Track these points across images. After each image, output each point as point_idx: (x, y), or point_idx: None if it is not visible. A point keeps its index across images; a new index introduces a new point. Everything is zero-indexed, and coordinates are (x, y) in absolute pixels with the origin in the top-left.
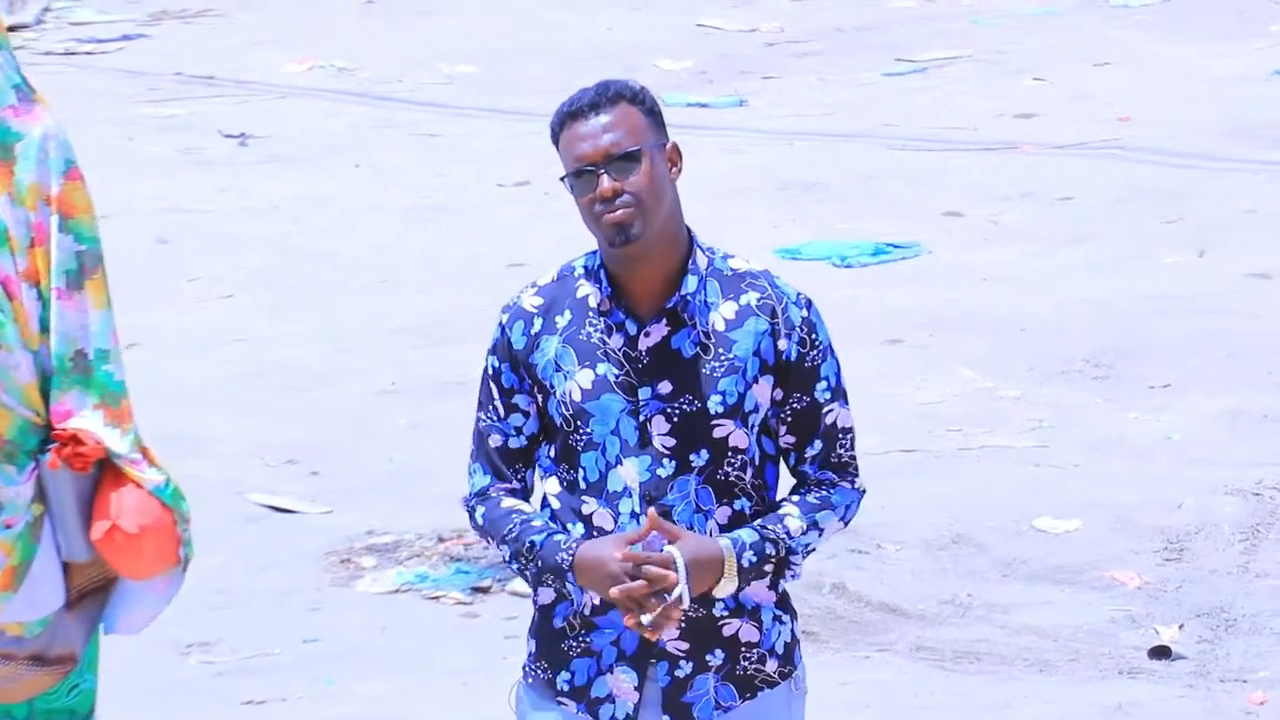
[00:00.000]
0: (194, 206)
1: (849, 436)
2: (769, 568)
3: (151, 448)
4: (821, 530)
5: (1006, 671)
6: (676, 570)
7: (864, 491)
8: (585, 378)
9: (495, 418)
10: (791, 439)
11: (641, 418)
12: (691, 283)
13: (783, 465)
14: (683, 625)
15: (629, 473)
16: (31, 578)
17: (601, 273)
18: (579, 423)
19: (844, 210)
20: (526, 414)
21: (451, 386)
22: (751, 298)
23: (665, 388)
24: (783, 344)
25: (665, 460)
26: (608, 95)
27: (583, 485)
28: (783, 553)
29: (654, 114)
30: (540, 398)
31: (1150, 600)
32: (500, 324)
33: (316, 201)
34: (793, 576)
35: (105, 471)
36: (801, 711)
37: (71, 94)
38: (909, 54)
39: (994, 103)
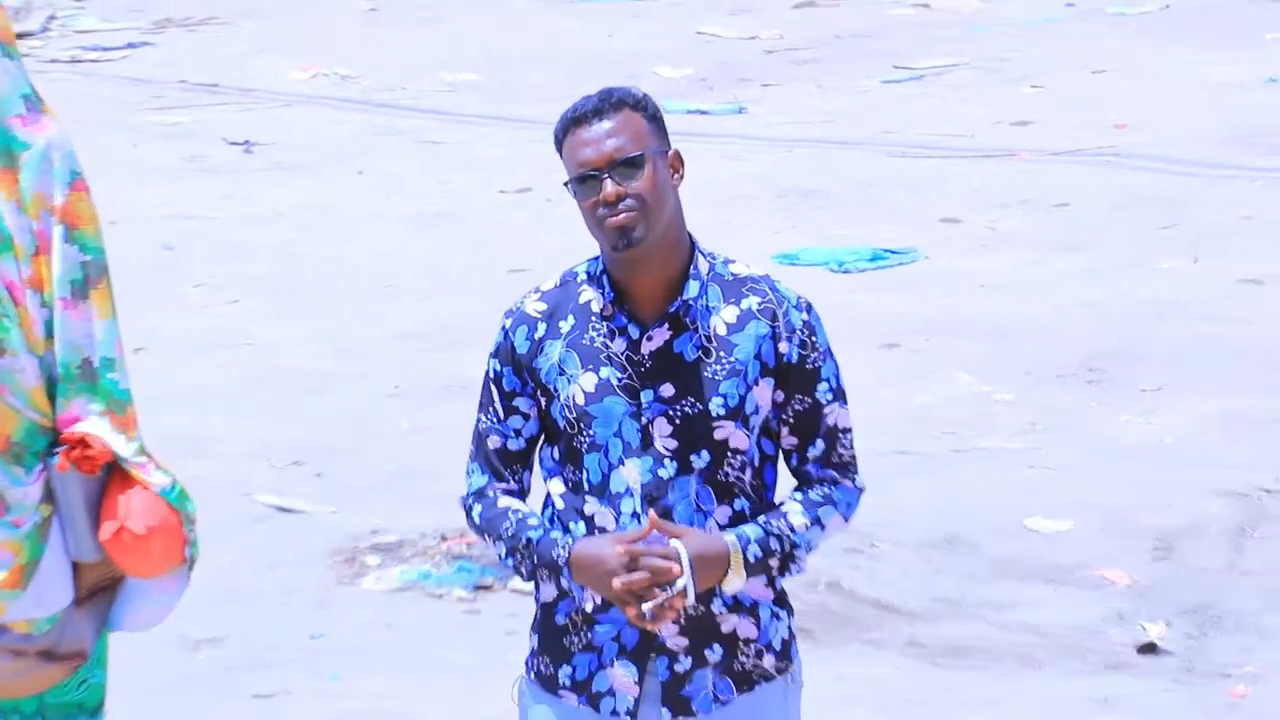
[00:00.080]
0: (199, 213)
1: (849, 436)
2: (774, 563)
3: (158, 450)
4: (824, 527)
5: (997, 667)
6: (680, 563)
7: (864, 489)
8: (589, 381)
9: (495, 419)
10: (794, 440)
11: (644, 420)
12: (693, 287)
13: (781, 466)
14: (682, 621)
15: (631, 474)
16: (40, 576)
17: (604, 278)
18: (582, 425)
19: (843, 216)
20: (526, 416)
21: (453, 390)
22: (752, 302)
23: (667, 390)
24: (783, 347)
25: (667, 461)
26: (611, 102)
27: (586, 486)
28: (787, 548)
29: (656, 121)
30: (543, 401)
31: (1139, 598)
32: (503, 328)
33: (320, 208)
34: (798, 571)
35: (113, 474)
36: (798, 706)
37: (77, 102)
38: (907, 61)
39: (992, 110)
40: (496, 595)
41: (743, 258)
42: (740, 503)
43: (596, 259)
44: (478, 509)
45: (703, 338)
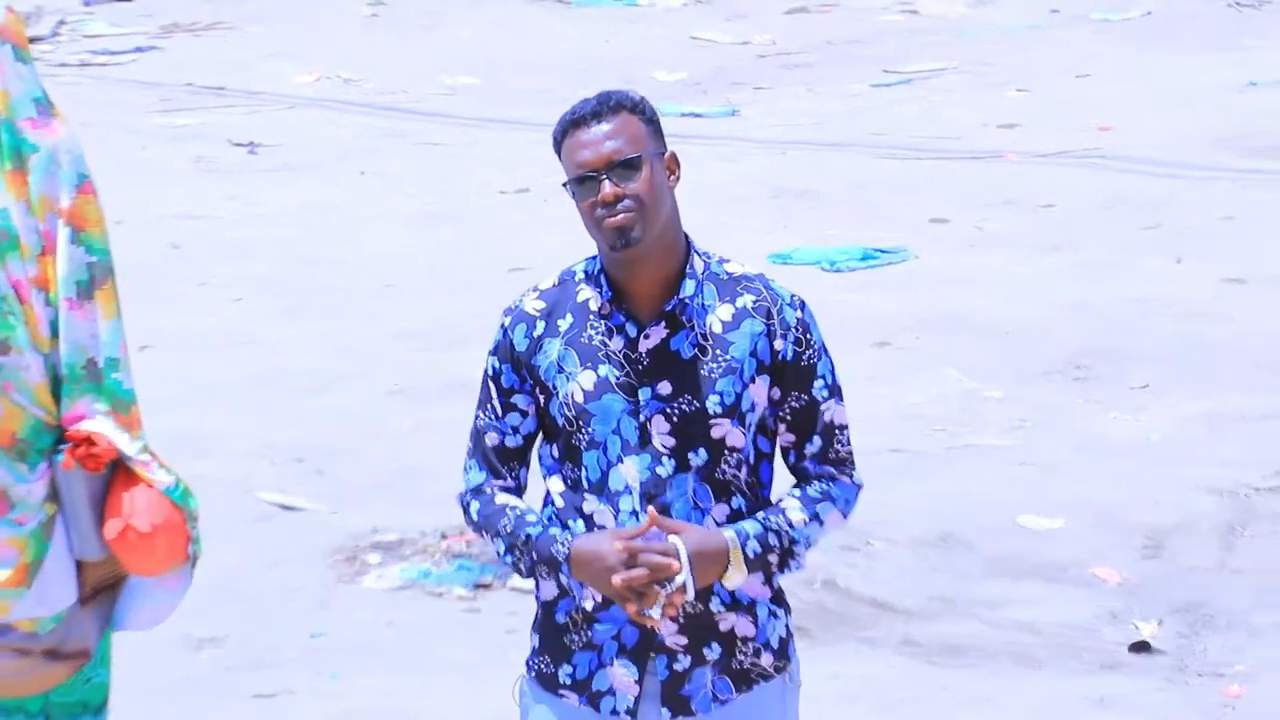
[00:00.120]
0: (205, 213)
1: (845, 432)
2: (774, 558)
3: (161, 448)
4: (823, 522)
5: (991, 665)
6: (679, 559)
7: (862, 485)
8: (587, 379)
9: (493, 417)
10: (791, 437)
11: (642, 418)
12: (689, 286)
13: (778, 464)
14: (681, 620)
15: (629, 471)
16: (43, 575)
17: (602, 277)
18: (581, 423)
19: (834, 217)
20: (525, 414)
21: (454, 388)
22: (747, 300)
23: (665, 388)
24: (778, 344)
25: (665, 459)
26: (609, 104)
27: (585, 484)
28: (786, 543)
29: (653, 123)
30: (542, 399)
31: (1130, 596)
32: (502, 326)
33: (323, 208)
34: (797, 567)
35: (117, 472)
36: (796, 704)
37: (86, 104)
38: (897, 66)
39: (979, 113)
40: (496, 594)
41: (737, 257)
42: (737, 500)
43: (594, 258)
44: (475, 506)
45: (699, 336)
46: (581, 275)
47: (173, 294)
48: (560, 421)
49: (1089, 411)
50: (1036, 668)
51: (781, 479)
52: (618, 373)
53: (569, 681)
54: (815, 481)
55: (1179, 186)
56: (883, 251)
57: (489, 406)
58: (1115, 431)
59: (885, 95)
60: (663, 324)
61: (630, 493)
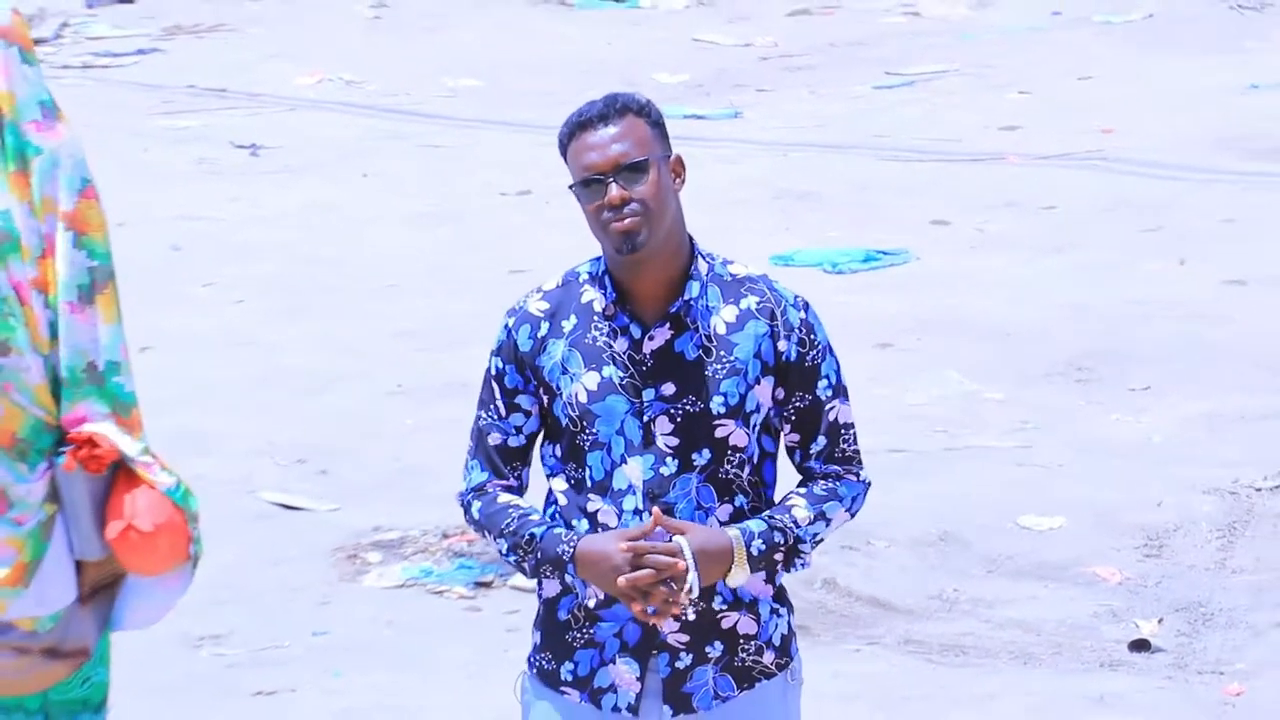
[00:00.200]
0: (207, 215)
1: (851, 431)
2: (779, 556)
3: (163, 447)
4: (829, 520)
5: (991, 664)
6: (684, 558)
7: (869, 484)
8: (591, 380)
9: (496, 416)
10: (796, 436)
11: (646, 418)
12: (694, 288)
13: (781, 463)
14: (684, 618)
15: (633, 471)
16: (42, 575)
17: (606, 278)
18: (585, 423)
19: (836, 219)
20: (528, 414)
21: (455, 388)
22: (751, 301)
23: (669, 389)
24: (782, 345)
25: (668, 459)
26: (615, 107)
27: (589, 484)
28: (791, 541)
29: (659, 127)
30: (546, 399)
31: (1130, 595)
32: (505, 326)
33: (325, 210)
34: (802, 565)
35: (118, 474)
36: (798, 703)
37: (89, 106)
38: (899, 68)
39: (981, 115)
40: (497, 592)
41: (740, 259)
42: (740, 500)
43: (598, 259)
44: (476, 505)
45: (703, 337)
46: (586, 276)
47: (174, 295)
48: (564, 422)
49: (1090, 413)
50: (1037, 666)
51: (785, 479)
52: (622, 374)
53: (570, 678)
54: (821, 480)
55: (1180, 189)
56: (884, 253)
57: (492, 406)
58: (1116, 433)
59: (887, 97)
60: (667, 325)
61: (634, 492)
